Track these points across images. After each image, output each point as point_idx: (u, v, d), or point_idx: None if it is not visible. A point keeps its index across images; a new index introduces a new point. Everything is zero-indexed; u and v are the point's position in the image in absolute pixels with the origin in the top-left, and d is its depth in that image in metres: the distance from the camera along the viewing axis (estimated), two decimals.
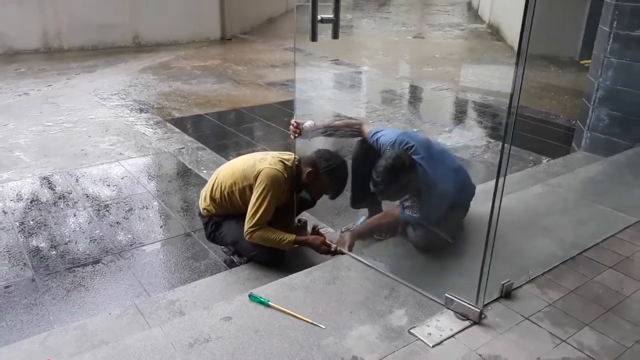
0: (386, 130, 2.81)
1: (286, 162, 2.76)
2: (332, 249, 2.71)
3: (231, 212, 2.83)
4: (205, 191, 2.93)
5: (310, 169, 2.71)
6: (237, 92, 7.00)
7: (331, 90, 7.59)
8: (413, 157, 2.61)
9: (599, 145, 4.28)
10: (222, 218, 2.86)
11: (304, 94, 6.61)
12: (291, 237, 2.69)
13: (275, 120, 5.81)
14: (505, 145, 2.02)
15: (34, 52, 9.05)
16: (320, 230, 2.94)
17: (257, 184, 2.66)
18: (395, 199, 2.78)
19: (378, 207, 3.09)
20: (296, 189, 2.80)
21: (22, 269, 2.93)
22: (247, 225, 2.66)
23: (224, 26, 10.97)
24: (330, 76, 8.30)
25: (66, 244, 3.22)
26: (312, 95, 6.92)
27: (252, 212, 2.64)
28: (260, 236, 2.66)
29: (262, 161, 2.74)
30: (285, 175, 2.70)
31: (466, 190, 2.89)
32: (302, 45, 7.67)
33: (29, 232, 3.35)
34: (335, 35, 2.39)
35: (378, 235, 2.93)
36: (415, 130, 5.49)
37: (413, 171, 2.57)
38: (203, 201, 2.92)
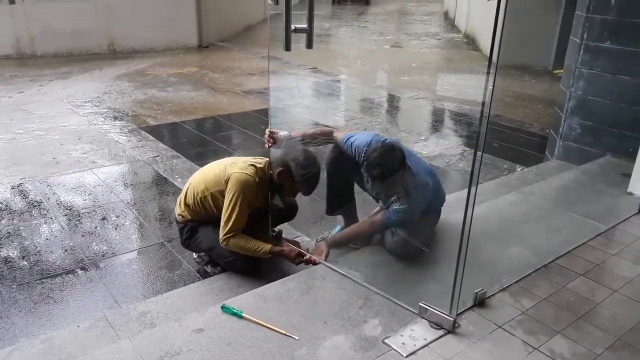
0: (359, 134, 2.82)
1: (257, 165, 2.75)
2: (307, 259, 2.70)
3: (205, 219, 2.81)
4: (180, 197, 2.92)
5: (281, 169, 2.70)
6: (213, 99, 6.96)
7: (309, 99, 7.59)
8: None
9: (571, 153, 4.35)
10: (198, 224, 2.84)
11: (281, 102, 6.60)
12: (267, 246, 2.67)
13: (252, 128, 5.78)
14: (478, 153, 2.04)
15: (6, 58, 8.87)
16: (295, 239, 2.93)
17: (228, 188, 2.65)
18: (388, 191, 2.76)
19: (353, 215, 3.09)
20: (271, 190, 2.79)
21: None
22: (222, 232, 2.65)
23: (201, 33, 10.92)
24: (307, 84, 8.30)
25: (36, 254, 3.14)
26: (289, 104, 6.91)
27: (225, 219, 2.64)
28: (236, 244, 2.64)
29: (233, 166, 2.73)
30: (257, 179, 2.69)
31: (439, 196, 2.90)
32: (279, 53, 7.67)
33: None
34: (309, 45, 2.39)
35: (353, 244, 2.92)
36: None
37: (403, 162, 2.62)
38: (178, 207, 2.92)
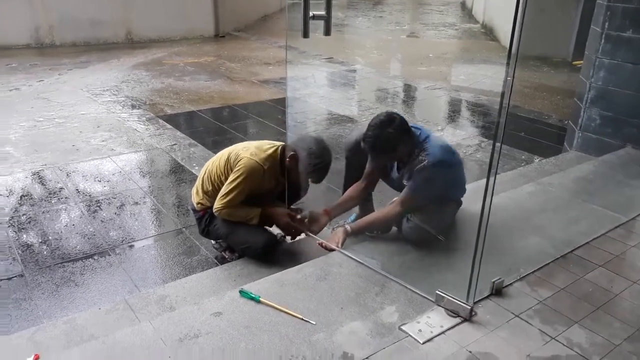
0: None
1: (269, 152, 2.79)
2: (294, 228, 2.79)
3: None
4: (197, 185, 2.96)
5: (292, 153, 2.77)
6: (230, 89, 6.98)
7: (324, 88, 7.58)
8: (411, 126, 2.68)
9: (590, 144, 4.30)
10: None
11: (297, 92, 6.60)
12: (257, 210, 2.77)
13: (268, 117, 5.79)
14: (497, 143, 2.03)
15: (26, 47, 8.98)
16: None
17: (235, 168, 2.73)
18: (387, 158, 2.77)
19: (369, 203, 3.09)
20: (282, 173, 2.85)
21: (11, 264, 2.91)
22: (218, 202, 2.74)
23: (217, 23, 10.93)
24: (323, 74, 8.29)
25: (57, 239, 3.19)
26: (305, 93, 6.91)
27: (225, 192, 2.73)
28: (227, 213, 2.75)
29: (245, 150, 2.80)
30: (265, 167, 2.74)
31: (461, 176, 2.91)
32: (296, 43, 7.68)
33: (19, 227, 3.32)
34: (327, 32, 2.40)
35: (370, 232, 2.93)
36: None
37: (405, 129, 2.63)
38: (196, 195, 2.94)
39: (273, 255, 2.81)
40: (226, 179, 2.77)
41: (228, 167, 2.78)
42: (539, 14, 8.06)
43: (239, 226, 2.77)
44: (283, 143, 2.87)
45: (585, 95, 4.26)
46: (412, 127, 2.70)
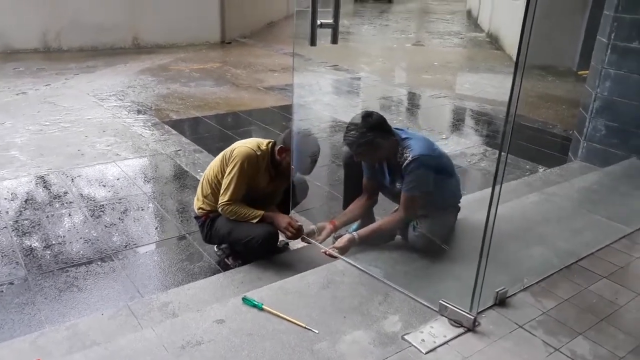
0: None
1: (261, 145, 2.87)
2: (294, 234, 2.80)
3: None
4: (197, 192, 3.00)
5: (281, 145, 2.83)
6: (235, 95, 7.00)
7: (330, 96, 7.59)
8: (394, 128, 2.72)
9: (595, 155, 4.29)
10: (217, 214, 2.89)
11: (302, 99, 6.61)
12: (259, 212, 2.79)
13: (273, 124, 5.81)
14: (502, 153, 2.03)
15: (33, 51, 9.04)
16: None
17: (230, 160, 2.79)
18: (370, 156, 2.78)
19: (371, 213, 3.09)
20: (272, 166, 2.90)
21: (14, 268, 2.92)
22: (221, 199, 2.79)
23: (223, 29, 10.99)
24: (328, 82, 8.31)
25: (60, 244, 3.20)
26: (309, 100, 6.93)
27: (225, 187, 2.78)
28: (231, 210, 2.78)
29: (237, 143, 2.89)
30: (259, 153, 2.81)
31: (453, 185, 2.91)
32: (302, 50, 7.69)
33: (23, 232, 3.33)
34: (334, 40, 2.40)
35: (375, 240, 2.92)
36: None
37: (381, 124, 2.66)
38: (196, 201, 2.97)
39: (274, 248, 2.86)
40: (223, 176, 2.82)
41: (224, 163, 2.84)
42: (545, 23, 8.06)
43: (241, 223, 2.80)
44: (274, 140, 2.93)
45: (590, 106, 4.25)
46: (394, 129, 2.73)
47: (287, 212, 2.98)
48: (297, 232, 2.82)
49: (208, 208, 2.90)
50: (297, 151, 2.82)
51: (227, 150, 2.89)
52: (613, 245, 2.89)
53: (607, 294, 2.43)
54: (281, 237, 2.94)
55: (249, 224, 2.78)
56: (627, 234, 3.01)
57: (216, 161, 2.92)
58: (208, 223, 2.91)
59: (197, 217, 2.98)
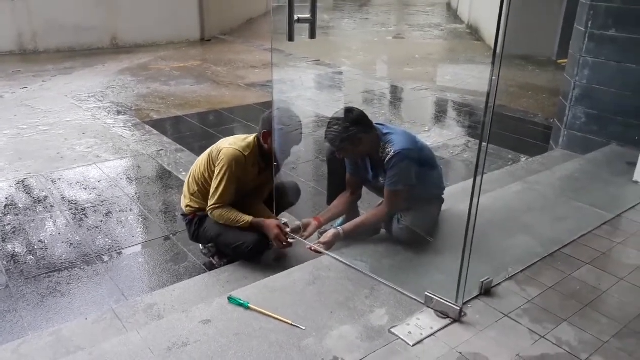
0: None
1: (247, 140, 2.83)
2: (284, 240, 2.76)
3: None
4: (184, 190, 2.96)
5: (265, 130, 2.80)
6: (216, 93, 6.95)
7: (311, 91, 7.57)
8: (375, 124, 2.73)
9: (576, 143, 4.33)
10: (206, 214, 2.85)
11: (283, 95, 6.58)
12: (248, 218, 2.75)
13: (256, 121, 5.70)
14: (483, 143, 2.03)
15: (9, 53, 8.87)
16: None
17: (217, 162, 2.75)
18: (352, 152, 2.77)
19: (356, 208, 3.09)
20: (260, 155, 2.86)
21: None
22: (210, 202, 2.75)
23: (203, 27, 10.89)
24: (310, 77, 8.28)
25: (42, 249, 3.15)
26: (291, 96, 6.90)
27: (213, 190, 2.74)
28: (220, 215, 2.74)
29: (224, 142, 2.85)
30: (246, 154, 2.77)
31: (436, 177, 2.92)
32: (282, 46, 7.65)
33: (3, 237, 3.27)
34: (312, 35, 2.39)
35: (360, 234, 2.91)
36: None
37: (362, 119, 2.68)
38: (184, 199, 2.95)
39: (261, 259, 2.80)
40: (210, 175, 2.79)
41: (210, 162, 2.81)
42: (524, 13, 8.12)
43: (230, 228, 2.76)
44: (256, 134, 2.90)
45: (570, 94, 4.29)
46: (376, 124, 2.74)
47: (273, 207, 2.96)
48: (287, 245, 2.79)
49: (196, 206, 2.87)
50: (280, 127, 2.79)
51: (214, 148, 2.86)
52: (595, 231, 2.92)
53: (591, 280, 2.45)
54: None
55: (238, 229, 2.75)
56: (608, 220, 3.05)
57: (202, 158, 2.88)
58: (196, 222, 2.88)
59: (184, 215, 2.95)
